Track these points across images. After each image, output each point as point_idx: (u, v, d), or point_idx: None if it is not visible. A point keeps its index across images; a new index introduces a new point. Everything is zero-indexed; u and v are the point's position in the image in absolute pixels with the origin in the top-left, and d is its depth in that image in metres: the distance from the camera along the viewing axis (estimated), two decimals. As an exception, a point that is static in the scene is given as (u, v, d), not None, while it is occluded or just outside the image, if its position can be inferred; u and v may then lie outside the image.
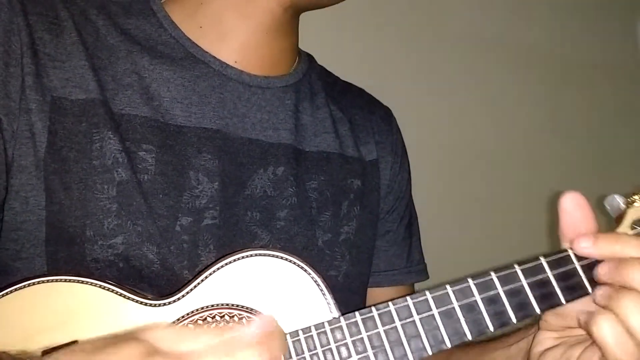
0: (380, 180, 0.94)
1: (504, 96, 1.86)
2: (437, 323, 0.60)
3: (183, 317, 0.63)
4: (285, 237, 0.79)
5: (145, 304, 0.64)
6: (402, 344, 0.60)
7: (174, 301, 0.64)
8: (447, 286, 0.61)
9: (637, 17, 2.12)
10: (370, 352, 0.60)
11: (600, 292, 0.60)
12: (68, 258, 0.69)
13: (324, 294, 0.64)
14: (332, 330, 0.61)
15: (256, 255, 0.65)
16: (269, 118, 0.82)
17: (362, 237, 0.89)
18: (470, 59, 1.81)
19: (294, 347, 0.61)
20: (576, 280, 0.61)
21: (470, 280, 0.61)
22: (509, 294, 0.60)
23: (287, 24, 0.83)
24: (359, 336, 0.60)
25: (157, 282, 0.70)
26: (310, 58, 0.95)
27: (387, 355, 0.60)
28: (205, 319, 0.63)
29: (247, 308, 0.63)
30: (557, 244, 0.66)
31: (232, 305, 0.64)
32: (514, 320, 0.60)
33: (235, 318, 0.63)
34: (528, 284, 0.61)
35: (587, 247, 0.61)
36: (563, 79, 1.95)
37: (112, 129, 0.72)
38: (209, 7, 0.80)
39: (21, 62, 0.70)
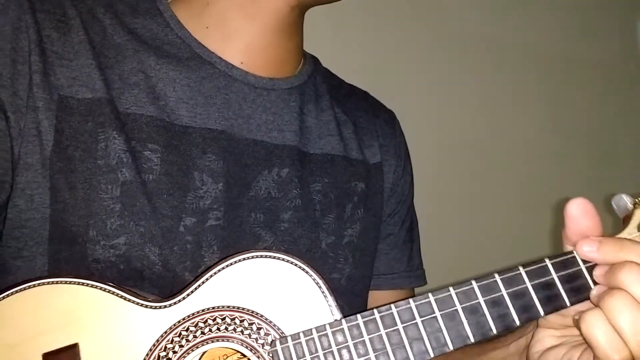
0: (383, 184, 0.94)
1: (504, 96, 1.86)
2: (439, 325, 0.60)
3: (184, 319, 0.63)
4: (289, 239, 0.79)
5: (146, 306, 0.63)
6: (404, 346, 0.60)
7: (175, 303, 0.63)
8: (450, 288, 0.61)
9: (637, 17, 2.12)
10: (372, 355, 0.60)
11: (593, 291, 0.60)
12: (69, 258, 0.69)
13: (325, 296, 0.63)
14: (333, 333, 0.61)
15: (257, 257, 0.64)
16: (274, 120, 0.82)
17: (365, 240, 0.88)
18: (471, 59, 1.81)
19: (295, 349, 0.60)
20: (581, 282, 0.61)
21: (473, 282, 0.61)
22: (513, 296, 0.60)
23: (293, 24, 0.83)
24: (361, 339, 0.60)
25: (158, 283, 0.70)
26: (315, 60, 0.95)
27: (389, 357, 0.59)
28: (207, 321, 0.63)
29: (248, 310, 0.63)
30: (560, 245, 0.65)
31: (234, 307, 0.63)
32: (518, 322, 0.60)
33: (237, 320, 0.63)
34: (532, 286, 0.60)
35: (590, 251, 0.60)
36: (563, 79, 1.95)
37: (118, 129, 0.72)
38: (215, 7, 0.80)
39: (29, 59, 0.69)
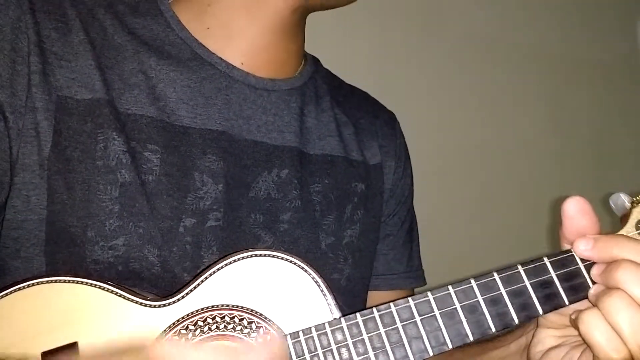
0: (383, 184, 0.93)
1: (504, 96, 1.86)
2: (438, 324, 0.60)
3: (183, 318, 0.63)
4: (288, 239, 0.79)
5: (146, 305, 0.63)
6: (403, 345, 0.60)
7: (174, 302, 0.64)
8: (449, 287, 0.61)
9: (637, 17, 2.12)
10: (371, 354, 0.60)
11: (591, 291, 0.60)
12: (67, 259, 0.69)
13: (324, 295, 0.63)
14: (332, 332, 0.61)
15: (256, 255, 0.64)
16: (274, 120, 0.82)
17: (365, 240, 0.88)
18: (470, 59, 1.81)
19: (294, 348, 0.60)
20: (580, 280, 0.61)
21: (472, 280, 0.61)
22: (511, 294, 0.60)
23: (295, 26, 0.83)
24: (360, 337, 0.60)
25: (157, 284, 0.70)
26: (315, 61, 0.95)
27: (388, 356, 0.60)
28: (206, 320, 0.63)
29: (247, 309, 0.63)
30: (559, 244, 0.65)
31: (233, 306, 0.63)
32: (517, 321, 0.60)
33: (236, 319, 0.63)
34: (531, 284, 0.60)
35: (586, 249, 0.61)
36: (563, 79, 1.95)
37: (117, 130, 0.71)
38: (217, 8, 0.80)
39: (28, 60, 0.69)
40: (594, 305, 0.59)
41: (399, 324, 0.60)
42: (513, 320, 0.60)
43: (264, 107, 0.82)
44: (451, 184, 1.77)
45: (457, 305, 0.60)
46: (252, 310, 0.63)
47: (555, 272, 0.61)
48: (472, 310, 0.60)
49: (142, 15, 0.80)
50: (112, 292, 0.63)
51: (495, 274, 0.61)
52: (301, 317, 0.63)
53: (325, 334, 0.61)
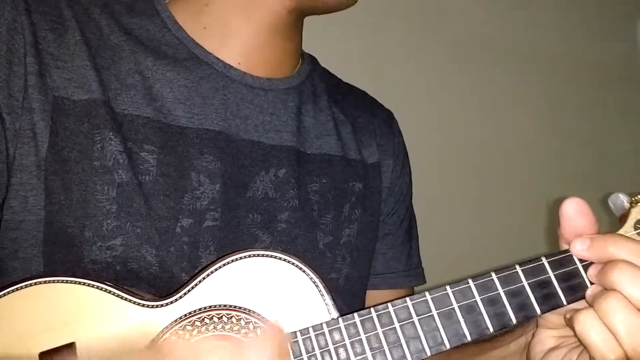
0: (381, 183, 0.93)
1: (504, 96, 1.86)
2: (436, 324, 0.60)
3: (181, 318, 0.63)
4: (286, 239, 0.79)
5: (143, 305, 0.63)
6: (401, 345, 0.60)
7: (172, 302, 0.63)
8: (447, 287, 0.61)
9: (637, 17, 2.12)
10: (368, 354, 0.60)
11: (589, 291, 0.60)
12: (65, 259, 0.69)
13: (322, 295, 0.63)
14: (330, 332, 0.60)
15: (254, 255, 0.64)
16: (271, 120, 0.82)
17: (363, 240, 0.88)
18: (470, 59, 1.81)
19: (292, 348, 0.60)
20: (578, 280, 0.61)
21: (470, 280, 0.61)
22: (509, 294, 0.60)
23: (291, 26, 0.83)
24: (358, 337, 0.60)
25: (155, 284, 0.70)
26: (313, 60, 0.94)
27: (385, 356, 0.59)
28: (204, 320, 0.63)
29: (245, 309, 0.63)
30: (557, 245, 0.65)
31: (230, 306, 0.63)
32: (515, 321, 0.60)
33: (234, 319, 0.63)
34: (529, 284, 0.60)
35: (582, 249, 0.61)
36: (563, 79, 1.95)
37: (114, 130, 0.71)
38: (214, 8, 0.80)
39: (24, 61, 0.69)
40: (591, 305, 0.59)
41: (396, 324, 0.60)
42: (511, 320, 0.60)
43: (261, 107, 0.81)
44: (450, 183, 1.77)
45: (455, 305, 0.60)
46: (249, 311, 0.63)
47: (553, 272, 0.61)
48: (470, 310, 0.60)
49: (139, 15, 0.80)
50: (109, 292, 0.63)
51: (493, 274, 0.61)
52: (299, 318, 0.62)
53: (323, 334, 0.60)
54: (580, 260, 0.61)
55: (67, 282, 0.63)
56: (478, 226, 1.77)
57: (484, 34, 1.82)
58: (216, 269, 0.64)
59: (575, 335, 0.59)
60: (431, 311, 0.60)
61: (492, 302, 0.60)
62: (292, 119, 0.84)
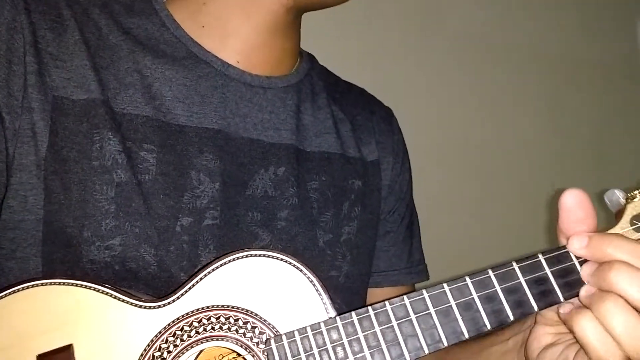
0: (381, 181, 0.93)
1: (504, 95, 1.86)
2: (434, 322, 0.60)
3: (178, 319, 0.63)
4: (286, 237, 0.79)
5: (141, 306, 0.63)
6: (399, 343, 0.59)
7: (170, 303, 0.63)
8: (444, 284, 0.61)
9: (637, 17, 2.12)
10: (366, 352, 0.59)
11: (583, 292, 0.60)
12: (64, 259, 0.69)
13: (319, 295, 0.63)
14: (328, 331, 0.60)
15: (252, 256, 0.64)
16: (270, 118, 0.82)
17: (363, 237, 0.88)
18: (470, 58, 1.81)
19: (290, 348, 0.60)
20: (575, 277, 0.60)
21: (467, 278, 0.61)
22: (506, 291, 0.60)
23: (290, 24, 0.83)
24: (355, 336, 0.60)
25: (154, 284, 0.70)
26: (311, 58, 0.94)
27: (383, 355, 0.59)
28: (201, 320, 0.63)
29: (243, 309, 0.63)
30: (555, 241, 0.65)
31: (228, 306, 0.63)
32: (512, 318, 0.60)
33: (231, 320, 0.63)
34: (526, 281, 0.60)
35: (580, 247, 0.60)
36: (563, 79, 1.95)
37: (113, 130, 0.71)
38: (212, 6, 0.80)
39: (24, 60, 0.70)
40: (586, 307, 0.59)
41: (394, 322, 0.60)
42: (508, 317, 0.59)
43: (260, 105, 0.82)
44: (448, 181, 1.77)
45: (452, 303, 0.60)
46: (247, 311, 0.63)
47: (550, 268, 0.60)
48: (468, 308, 0.60)
49: (137, 14, 0.80)
50: (107, 294, 0.63)
51: (490, 271, 0.61)
52: (297, 317, 0.62)
53: (321, 333, 0.60)
54: (577, 257, 0.61)
55: (64, 284, 0.63)
56: (476, 224, 1.78)
57: (484, 33, 1.82)
58: (213, 270, 0.64)
59: (575, 337, 0.59)
60: (428, 309, 0.60)
61: (490, 299, 0.60)
62: (291, 117, 0.84)
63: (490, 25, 1.84)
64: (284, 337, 0.61)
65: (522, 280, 0.60)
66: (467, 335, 0.59)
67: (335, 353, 0.60)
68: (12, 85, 0.68)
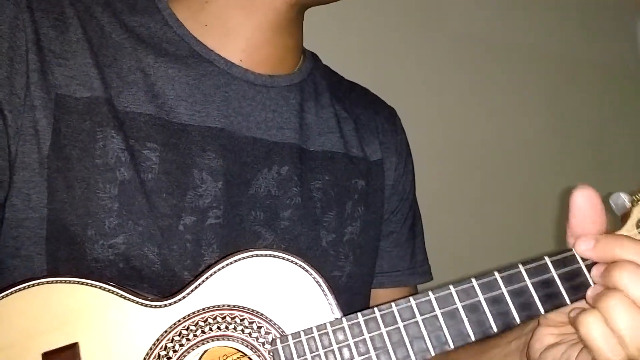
0: (384, 181, 0.93)
1: (504, 95, 1.86)
2: (440, 324, 0.60)
3: (184, 318, 0.63)
4: (289, 237, 0.79)
5: (147, 305, 0.63)
6: (404, 344, 0.59)
7: (176, 302, 0.63)
8: (451, 286, 0.61)
9: (637, 17, 2.12)
10: (372, 353, 0.59)
11: (590, 292, 0.60)
12: (68, 257, 0.69)
13: (325, 295, 0.63)
14: (334, 332, 0.60)
15: (258, 255, 0.64)
16: (273, 117, 0.82)
17: (365, 237, 0.88)
18: (470, 58, 1.81)
19: (296, 348, 0.60)
20: (581, 279, 0.60)
21: (473, 280, 0.61)
22: (513, 294, 0.60)
23: (293, 21, 0.83)
24: (361, 337, 0.60)
25: (157, 282, 0.70)
26: (314, 57, 0.94)
27: (389, 356, 0.59)
28: (207, 320, 0.63)
29: (248, 309, 0.63)
30: (559, 242, 0.65)
31: (234, 306, 0.63)
32: (518, 320, 0.60)
33: (237, 319, 0.63)
34: (532, 283, 0.60)
35: (587, 249, 0.61)
36: (563, 79, 1.96)
37: (116, 128, 0.71)
38: (215, 5, 0.80)
39: (26, 58, 0.69)
40: (593, 306, 0.59)
41: (400, 324, 0.60)
42: (514, 319, 0.59)
43: (263, 104, 0.81)
44: (449, 181, 1.77)
45: (459, 305, 0.60)
46: (253, 311, 0.63)
47: (556, 271, 0.60)
48: (474, 310, 0.60)
49: (140, 12, 0.79)
50: (112, 292, 0.63)
51: (496, 273, 0.61)
52: (302, 317, 0.62)
53: (327, 334, 0.60)
54: (583, 260, 0.61)
55: (69, 282, 0.63)
56: (479, 225, 1.78)
57: (484, 34, 1.82)
58: (219, 269, 0.64)
59: (579, 336, 0.59)
60: (435, 311, 0.60)
61: (496, 302, 0.60)
62: (294, 116, 0.84)
63: (490, 24, 1.84)
64: (290, 338, 0.61)
65: (528, 282, 0.60)
66: (473, 338, 0.59)
67: (341, 354, 0.60)
68: (15, 83, 0.68)
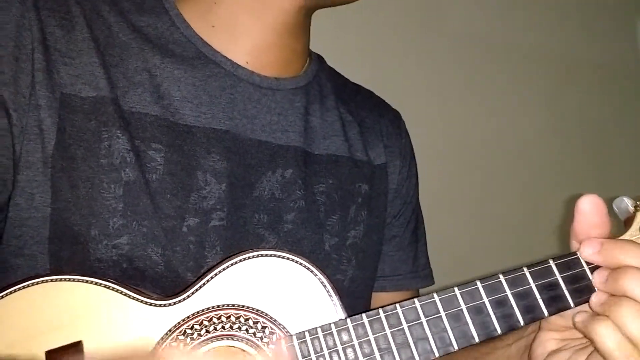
0: (388, 185, 0.93)
1: (505, 96, 1.86)
2: (444, 325, 0.60)
3: (189, 317, 0.63)
4: (292, 240, 0.79)
5: (151, 304, 0.63)
6: (409, 346, 0.60)
7: (180, 301, 0.63)
8: (455, 288, 0.61)
9: (637, 17, 2.12)
10: (377, 354, 0.60)
11: (594, 298, 0.61)
12: (71, 257, 0.68)
13: (330, 296, 0.63)
14: (338, 332, 0.61)
15: (262, 255, 0.64)
16: (278, 120, 0.82)
17: (368, 241, 0.88)
18: (470, 58, 1.81)
19: (300, 348, 0.61)
20: (585, 283, 0.61)
21: (478, 282, 0.61)
22: (517, 296, 0.60)
23: (300, 25, 0.83)
24: (366, 338, 0.60)
25: (160, 283, 0.70)
26: (320, 59, 0.94)
27: (394, 357, 0.60)
28: (211, 319, 0.63)
29: (253, 309, 0.63)
30: (567, 241, 0.65)
31: (238, 306, 0.63)
32: (522, 323, 0.60)
33: (241, 319, 0.63)
34: (536, 286, 0.61)
35: (592, 253, 0.61)
36: (563, 79, 1.96)
37: (121, 128, 0.71)
38: (223, 6, 0.80)
39: (32, 57, 0.69)
40: (599, 313, 0.59)
41: (404, 325, 0.60)
42: (518, 322, 0.60)
43: (269, 107, 0.81)
44: (449, 182, 1.77)
45: (463, 307, 0.60)
46: (257, 311, 0.63)
47: (560, 274, 0.61)
48: (478, 312, 0.60)
49: (147, 12, 0.79)
50: (117, 290, 0.63)
51: (501, 276, 0.61)
52: (307, 318, 0.63)
53: (331, 334, 0.61)
54: (587, 263, 0.62)
55: (73, 280, 0.63)
56: (483, 228, 1.78)
57: (484, 34, 1.82)
58: (224, 269, 0.64)
59: (593, 345, 0.60)
60: (439, 312, 0.60)
61: (500, 304, 0.60)
62: (299, 119, 0.84)
63: (490, 24, 1.84)
64: (294, 338, 0.61)
65: (532, 285, 0.61)
66: (477, 340, 0.60)
67: (345, 354, 0.60)
68: (20, 82, 0.68)
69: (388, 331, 0.60)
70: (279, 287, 0.64)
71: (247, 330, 0.63)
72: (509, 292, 0.60)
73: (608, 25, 2.06)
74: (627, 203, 0.65)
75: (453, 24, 1.78)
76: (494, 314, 0.60)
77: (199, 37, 0.79)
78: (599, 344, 0.58)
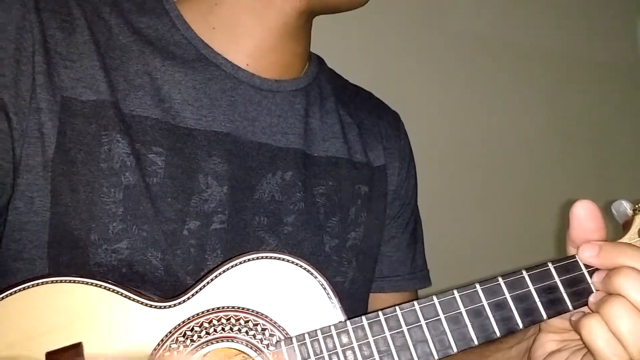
0: (387, 186, 0.93)
1: (505, 97, 1.86)
2: (444, 328, 0.60)
3: (189, 319, 0.63)
4: (292, 242, 0.79)
5: (151, 306, 0.63)
6: (408, 348, 0.60)
7: (180, 303, 0.64)
8: (455, 291, 0.61)
9: (637, 17, 2.12)
10: (376, 356, 0.60)
11: (592, 298, 0.61)
12: (70, 261, 0.68)
13: (330, 298, 0.63)
14: (338, 334, 0.61)
15: (262, 258, 0.64)
16: (278, 122, 0.82)
17: (368, 243, 0.88)
18: (470, 58, 1.81)
19: (300, 351, 0.61)
20: (584, 286, 0.61)
21: (477, 285, 0.61)
22: (516, 299, 0.61)
23: (301, 27, 0.83)
24: (365, 340, 0.60)
25: (160, 288, 0.70)
26: (320, 60, 0.94)
27: (393, 359, 0.60)
28: (211, 321, 0.63)
29: (253, 311, 0.63)
30: (564, 246, 0.66)
31: (238, 308, 0.63)
32: (521, 326, 0.60)
33: (241, 321, 0.63)
34: (535, 289, 0.61)
35: (591, 256, 0.61)
36: (564, 78, 1.96)
37: (122, 132, 0.71)
38: (224, 8, 0.80)
39: (33, 60, 0.69)
40: (595, 311, 0.60)
41: (404, 328, 0.60)
42: (517, 325, 0.60)
43: (269, 109, 0.81)
44: (448, 182, 1.77)
45: (462, 310, 0.60)
46: (257, 313, 0.63)
47: (559, 277, 0.61)
48: (477, 315, 0.60)
49: (148, 13, 0.79)
50: (116, 292, 0.63)
51: (500, 279, 0.61)
52: (307, 320, 0.63)
53: (331, 336, 0.61)
54: (586, 266, 0.62)
55: (73, 281, 0.63)
56: (482, 230, 1.78)
57: (485, 32, 1.82)
58: (224, 271, 0.64)
59: (582, 340, 0.60)
60: (439, 315, 0.60)
61: (499, 307, 0.60)
62: (299, 121, 0.84)
63: (491, 24, 1.84)
64: (294, 340, 0.61)
65: (531, 288, 0.61)
66: (476, 342, 0.60)
67: (345, 357, 0.60)
68: (21, 85, 0.68)
69: (388, 334, 0.60)
70: (279, 289, 0.64)
71: (247, 332, 0.63)
72: (508, 295, 0.61)
73: (608, 24, 2.06)
74: (626, 206, 0.65)
75: (454, 22, 1.78)
76: (493, 316, 0.60)
77: (199, 39, 0.79)
78: (587, 339, 0.59)
